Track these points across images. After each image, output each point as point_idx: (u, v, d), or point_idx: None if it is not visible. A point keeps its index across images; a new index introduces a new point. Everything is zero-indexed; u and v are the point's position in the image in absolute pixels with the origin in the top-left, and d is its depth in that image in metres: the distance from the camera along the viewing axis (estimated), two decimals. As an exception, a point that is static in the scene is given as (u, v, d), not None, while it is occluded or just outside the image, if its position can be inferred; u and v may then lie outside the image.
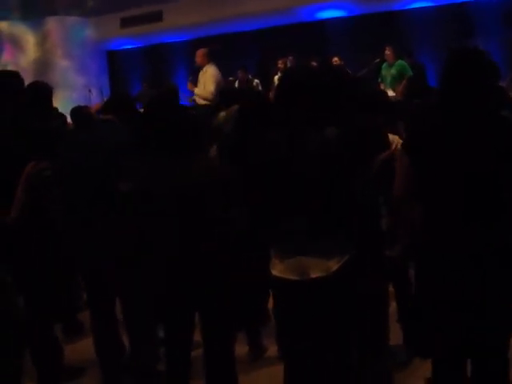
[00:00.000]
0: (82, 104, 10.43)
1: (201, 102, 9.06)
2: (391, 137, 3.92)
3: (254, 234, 3.73)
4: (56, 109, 6.78)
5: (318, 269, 3.00)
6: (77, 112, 7.21)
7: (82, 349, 4.82)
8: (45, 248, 4.10)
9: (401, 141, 3.75)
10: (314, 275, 3.00)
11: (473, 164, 2.83)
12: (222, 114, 5.76)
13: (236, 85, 10.99)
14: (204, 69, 9.33)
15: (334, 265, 3.00)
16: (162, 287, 3.56)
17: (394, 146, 3.75)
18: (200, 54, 9.46)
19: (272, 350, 4.55)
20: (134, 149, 3.96)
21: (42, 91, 4.55)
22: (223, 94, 6.89)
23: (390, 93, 8.19)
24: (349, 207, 3.05)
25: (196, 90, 9.39)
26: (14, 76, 4.21)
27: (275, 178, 3.06)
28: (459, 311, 2.94)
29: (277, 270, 3.12)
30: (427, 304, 3.07)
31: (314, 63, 10.30)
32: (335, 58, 11.48)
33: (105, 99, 13.59)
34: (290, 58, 11.38)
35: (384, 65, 10.48)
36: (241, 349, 4.49)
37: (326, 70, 6.41)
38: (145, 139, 4.06)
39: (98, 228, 3.93)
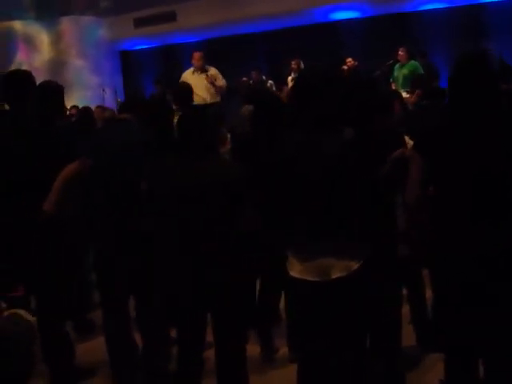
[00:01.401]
0: (96, 103, 10.53)
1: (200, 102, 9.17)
2: (407, 138, 3.92)
3: (262, 234, 3.74)
4: (77, 106, 6.81)
5: (339, 269, 3.00)
6: (81, 113, 7.27)
7: (93, 348, 4.84)
8: (56, 246, 4.12)
9: (411, 142, 3.75)
10: (334, 275, 3.00)
11: (481, 164, 2.84)
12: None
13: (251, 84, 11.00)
14: (206, 69, 9.71)
15: (354, 264, 3.00)
16: (174, 288, 3.57)
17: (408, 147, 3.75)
18: (199, 56, 9.81)
19: (283, 350, 4.55)
20: (142, 148, 3.98)
21: (51, 91, 4.54)
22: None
23: (404, 94, 8.16)
24: (368, 207, 3.05)
25: (222, 83, 9.69)
26: (25, 76, 4.24)
27: (294, 178, 3.06)
28: (469, 310, 2.94)
29: (295, 271, 3.12)
30: (440, 303, 3.07)
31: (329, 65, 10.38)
32: (349, 59, 11.47)
33: (118, 99, 13.68)
34: (295, 60, 11.37)
35: (396, 65, 10.49)
36: (252, 349, 4.49)
37: (341, 71, 6.45)
38: (153, 139, 4.09)
39: (115, 227, 3.96)
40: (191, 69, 9.89)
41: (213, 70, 9.75)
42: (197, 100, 8.74)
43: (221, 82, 9.71)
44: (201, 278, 3.46)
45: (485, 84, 2.92)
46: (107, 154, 4.00)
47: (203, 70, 9.67)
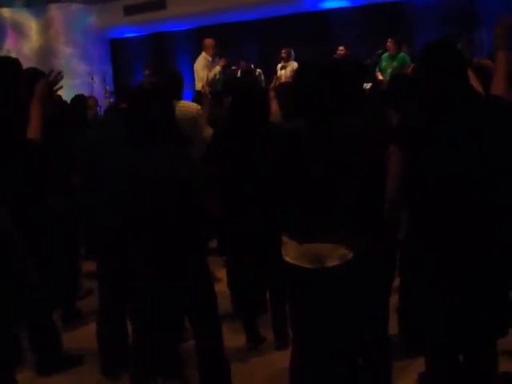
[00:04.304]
0: (85, 91, 10.48)
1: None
2: None
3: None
4: (59, 96, 6.79)
5: (334, 257, 3.01)
6: (75, 102, 7.22)
7: (81, 336, 4.84)
8: (49, 233, 4.13)
9: None
10: (329, 264, 3.01)
11: (461, 158, 2.83)
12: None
13: (238, 74, 10.96)
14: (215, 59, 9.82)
15: (349, 253, 3.01)
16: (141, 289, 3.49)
17: None
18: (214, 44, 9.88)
19: (269, 339, 4.56)
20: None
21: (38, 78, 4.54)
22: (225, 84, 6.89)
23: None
24: (367, 195, 3.05)
25: None
26: (10, 62, 4.24)
27: (290, 164, 3.06)
28: (446, 308, 2.94)
29: (290, 256, 3.13)
30: (415, 300, 3.07)
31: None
32: (341, 47, 11.47)
33: (107, 87, 13.62)
34: (285, 49, 11.36)
35: (385, 55, 10.54)
36: (238, 338, 4.50)
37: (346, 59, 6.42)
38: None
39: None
40: (208, 57, 9.92)
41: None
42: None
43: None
44: (166, 279, 3.38)
45: (451, 70, 2.89)
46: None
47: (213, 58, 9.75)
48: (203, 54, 9.99)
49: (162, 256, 3.31)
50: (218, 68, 9.54)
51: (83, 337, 4.75)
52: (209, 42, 9.95)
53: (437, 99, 2.89)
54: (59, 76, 4.29)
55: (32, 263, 3.96)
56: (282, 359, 3.48)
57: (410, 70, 9.36)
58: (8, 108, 4.07)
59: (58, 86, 4.30)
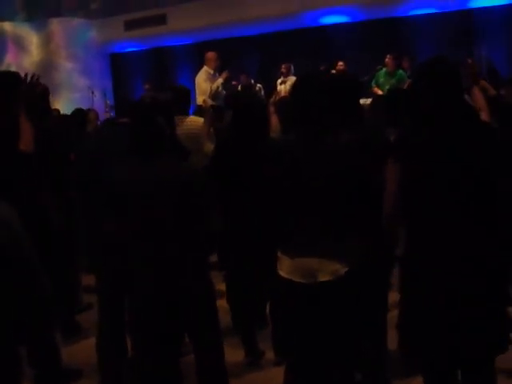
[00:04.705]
0: (85, 106, 10.50)
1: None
2: None
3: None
4: (57, 110, 6.83)
5: (326, 272, 3.00)
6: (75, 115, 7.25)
7: (80, 350, 4.83)
8: (48, 246, 4.14)
9: None
10: (322, 279, 3.01)
11: (460, 172, 2.84)
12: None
13: (239, 89, 10.99)
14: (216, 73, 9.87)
15: (341, 269, 3.01)
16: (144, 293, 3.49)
17: None
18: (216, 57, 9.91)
19: (268, 354, 4.54)
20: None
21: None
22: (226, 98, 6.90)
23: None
24: (361, 210, 3.05)
25: None
26: (10, 76, 4.28)
27: (287, 179, 3.06)
28: (443, 324, 2.93)
29: (284, 271, 3.12)
30: (413, 316, 3.06)
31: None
32: (340, 63, 11.51)
33: (107, 101, 13.65)
34: (285, 64, 11.42)
35: (383, 71, 10.57)
36: (237, 353, 4.49)
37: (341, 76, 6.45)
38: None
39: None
40: (210, 70, 9.97)
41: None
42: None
43: None
44: (168, 284, 3.39)
45: (445, 89, 2.92)
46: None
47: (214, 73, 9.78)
48: (205, 67, 9.99)
49: (162, 256, 3.33)
50: (220, 80, 9.56)
51: (82, 351, 4.75)
52: (211, 55, 9.95)
53: (436, 113, 2.91)
54: (35, 77, 4.33)
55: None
56: (280, 375, 3.46)
57: (406, 85, 9.42)
58: (5, 121, 4.10)
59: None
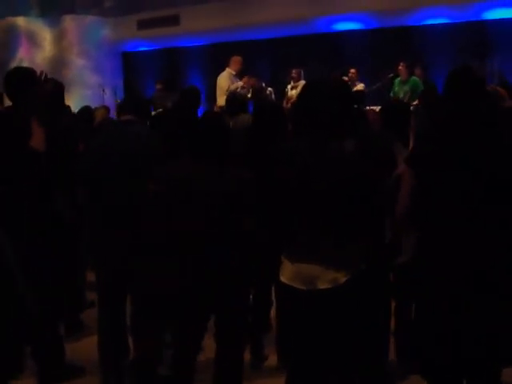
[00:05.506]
0: (95, 103, 10.54)
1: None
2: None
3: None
4: (68, 107, 6.85)
5: (326, 280, 2.99)
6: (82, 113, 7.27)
7: (83, 347, 4.85)
8: (58, 244, 4.15)
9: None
10: (321, 286, 3.01)
11: (473, 180, 2.85)
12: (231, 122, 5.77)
13: (249, 93, 11.00)
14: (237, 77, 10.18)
15: (342, 277, 3.00)
16: (178, 288, 3.60)
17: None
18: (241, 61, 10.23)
19: (272, 358, 4.55)
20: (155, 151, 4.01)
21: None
22: (229, 102, 6.84)
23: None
24: (362, 218, 3.06)
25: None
26: (27, 73, 4.30)
27: (293, 186, 3.07)
28: (453, 331, 2.94)
29: (285, 277, 3.13)
30: (423, 325, 3.07)
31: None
32: (352, 70, 11.50)
33: (117, 100, 13.68)
34: (296, 69, 11.45)
35: (397, 80, 10.56)
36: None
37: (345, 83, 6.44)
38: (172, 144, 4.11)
39: (123, 228, 3.97)
40: (232, 72, 10.12)
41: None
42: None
43: None
44: (203, 280, 3.50)
45: (474, 93, 2.95)
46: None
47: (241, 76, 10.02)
48: (227, 69, 10.26)
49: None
50: (240, 83, 9.73)
51: (85, 348, 4.76)
52: (236, 58, 10.30)
53: (455, 122, 2.93)
54: (43, 75, 4.42)
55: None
56: (282, 380, 3.47)
57: (406, 98, 9.62)
58: (17, 120, 4.12)
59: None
